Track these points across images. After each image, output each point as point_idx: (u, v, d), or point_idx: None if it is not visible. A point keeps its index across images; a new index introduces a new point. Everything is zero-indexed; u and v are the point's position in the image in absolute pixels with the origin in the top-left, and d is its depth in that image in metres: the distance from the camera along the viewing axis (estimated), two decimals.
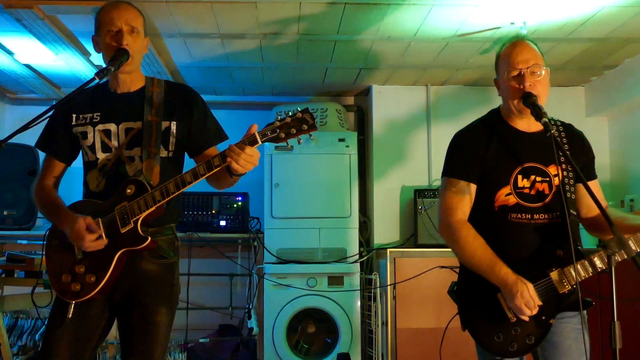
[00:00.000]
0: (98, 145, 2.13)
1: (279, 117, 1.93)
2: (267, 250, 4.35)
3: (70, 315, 2.01)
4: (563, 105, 4.73)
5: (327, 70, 4.48)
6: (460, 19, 3.47)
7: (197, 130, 2.19)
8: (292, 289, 4.27)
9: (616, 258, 1.85)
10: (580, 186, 2.13)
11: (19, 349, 4.32)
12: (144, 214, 1.99)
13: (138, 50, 2.13)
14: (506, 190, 2.12)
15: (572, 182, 2.13)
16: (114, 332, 3.84)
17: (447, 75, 4.61)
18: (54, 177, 2.22)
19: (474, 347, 2.16)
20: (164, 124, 2.14)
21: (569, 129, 2.25)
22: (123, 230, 2.00)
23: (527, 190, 2.11)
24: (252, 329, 4.36)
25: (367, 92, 5.05)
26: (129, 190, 2.02)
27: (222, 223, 4.55)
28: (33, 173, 4.29)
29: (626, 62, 4.27)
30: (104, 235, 2.00)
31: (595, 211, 2.10)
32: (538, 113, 2.03)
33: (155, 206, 1.99)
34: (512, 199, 2.11)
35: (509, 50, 2.15)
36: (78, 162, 2.23)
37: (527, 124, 2.17)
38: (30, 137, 2.22)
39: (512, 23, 3.50)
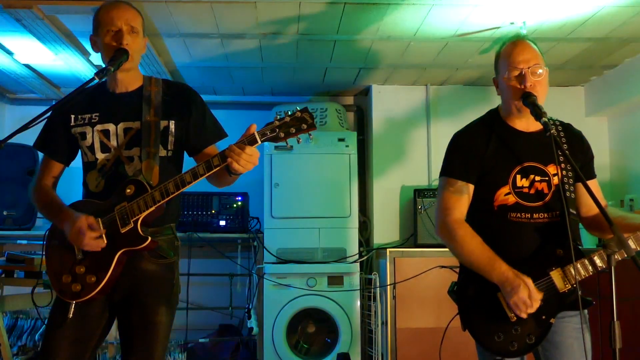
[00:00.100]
0: (97, 146, 2.12)
1: (278, 117, 1.93)
2: (266, 250, 4.34)
3: (70, 315, 2.01)
4: (563, 105, 4.73)
5: (326, 70, 4.48)
6: (460, 19, 3.47)
7: (196, 129, 2.19)
8: (291, 288, 4.27)
9: (616, 257, 1.85)
10: (580, 185, 2.13)
11: (18, 349, 4.32)
12: (143, 214, 1.99)
13: (137, 50, 2.13)
14: (505, 189, 2.12)
15: (571, 181, 2.13)
16: (114, 332, 3.86)
17: (446, 74, 4.61)
18: (52, 178, 2.22)
19: (473, 347, 2.16)
20: (163, 124, 2.14)
21: (567, 128, 2.25)
22: (123, 231, 2.00)
23: (526, 190, 2.11)
24: (252, 329, 4.35)
25: (366, 92, 5.05)
26: (128, 191, 2.02)
27: (222, 223, 4.55)
28: (32, 173, 4.29)
29: (626, 62, 4.27)
30: (104, 236, 2.00)
31: (595, 210, 2.10)
32: (538, 113, 2.03)
33: (155, 206, 1.98)
34: (512, 199, 2.11)
35: (509, 49, 2.15)
36: (77, 162, 2.23)
37: (526, 123, 2.18)
38: (29, 137, 2.22)
39: (512, 23, 3.51)
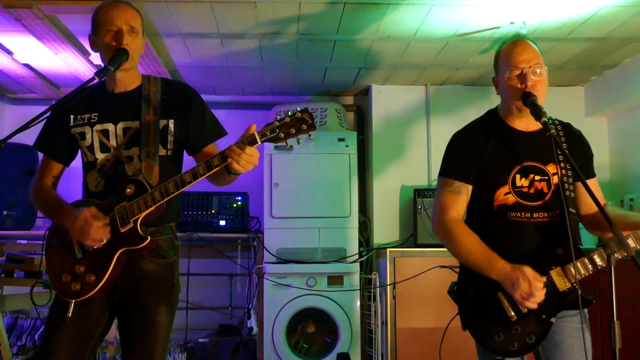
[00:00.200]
0: (97, 146, 2.12)
1: (278, 117, 1.93)
2: (266, 250, 4.34)
3: (70, 315, 2.01)
4: (563, 104, 4.73)
5: (326, 70, 4.48)
6: (460, 19, 3.47)
7: (196, 127, 2.19)
8: (291, 288, 4.27)
9: (616, 256, 1.85)
10: (580, 185, 2.13)
11: (18, 349, 4.32)
12: (143, 214, 1.99)
13: (137, 49, 2.13)
14: (505, 189, 2.12)
15: (571, 180, 2.13)
16: (113, 332, 3.86)
17: (446, 74, 4.61)
18: (52, 178, 2.22)
19: (473, 347, 2.16)
20: (162, 123, 2.14)
21: (567, 128, 2.25)
22: (123, 230, 2.00)
23: (525, 189, 2.11)
24: (251, 329, 4.35)
25: (366, 92, 5.05)
26: (128, 190, 2.02)
27: (222, 223, 4.55)
28: (32, 173, 4.29)
29: (626, 62, 4.27)
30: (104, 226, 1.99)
31: (595, 209, 2.11)
32: (538, 113, 2.03)
33: (155, 206, 1.98)
34: (511, 198, 2.11)
35: (509, 49, 2.14)
36: (77, 162, 2.23)
37: (525, 123, 2.18)
38: (29, 137, 2.22)
39: (512, 23, 3.51)
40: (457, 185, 2.17)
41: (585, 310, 2.06)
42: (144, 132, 2.09)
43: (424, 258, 4.07)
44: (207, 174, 1.97)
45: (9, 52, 3.92)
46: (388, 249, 4.17)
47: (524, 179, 2.12)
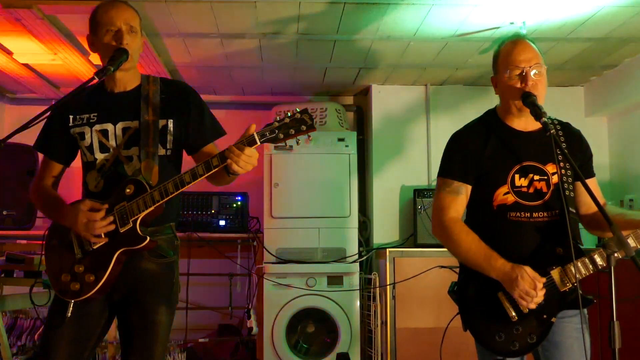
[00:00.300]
0: (96, 146, 2.12)
1: (278, 118, 1.93)
2: (266, 250, 4.34)
3: (69, 315, 2.01)
4: (562, 105, 4.73)
5: (326, 69, 4.48)
6: (460, 19, 3.47)
7: (195, 127, 2.19)
8: (291, 288, 4.27)
9: (616, 256, 1.84)
10: (579, 184, 2.13)
11: (18, 349, 4.32)
12: (143, 214, 1.99)
13: (136, 49, 2.13)
14: (504, 189, 2.12)
15: (570, 180, 2.13)
16: (113, 332, 3.85)
17: (446, 74, 4.61)
18: (52, 178, 2.23)
19: (473, 346, 2.16)
20: (161, 123, 2.14)
21: (566, 127, 2.25)
22: (122, 230, 2.00)
23: (525, 189, 2.11)
24: (251, 328, 4.35)
25: (366, 92, 5.05)
26: (128, 190, 2.02)
27: (222, 223, 4.55)
28: (32, 173, 4.29)
29: (625, 62, 4.27)
30: (103, 236, 2.00)
31: (594, 209, 2.10)
32: (537, 113, 2.03)
33: (154, 206, 1.99)
34: (511, 198, 2.11)
35: (509, 48, 2.14)
36: (78, 162, 2.23)
37: (524, 123, 2.17)
38: (29, 137, 2.22)
39: (512, 23, 3.51)
40: (456, 185, 2.17)
41: (585, 310, 2.06)
42: (143, 132, 2.09)
43: (423, 258, 4.07)
44: (206, 174, 1.97)
45: (9, 52, 3.92)
46: (388, 249, 4.17)
47: (523, 179, 2.12)
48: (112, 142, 2.13)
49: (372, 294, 4.29)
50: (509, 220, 2.11)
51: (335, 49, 4.00)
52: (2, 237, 4.37)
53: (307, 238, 4.35)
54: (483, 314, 2.08)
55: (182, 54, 4.08)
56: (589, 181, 2.10)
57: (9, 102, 5.06)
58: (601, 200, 2.17)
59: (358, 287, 4.33)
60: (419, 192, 4.50)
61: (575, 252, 1.99)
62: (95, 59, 3.99)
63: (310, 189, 4.39)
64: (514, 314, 2.01)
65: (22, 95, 5.01)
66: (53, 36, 3.50)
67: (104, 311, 2.11)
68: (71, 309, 2.02)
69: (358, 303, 4.33)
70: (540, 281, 1.97)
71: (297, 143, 1.96)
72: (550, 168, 2.13)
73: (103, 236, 2.00)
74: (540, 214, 2.10)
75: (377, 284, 4.26)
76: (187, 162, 2.20)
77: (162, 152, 2.13)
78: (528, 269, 1.97)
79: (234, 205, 4.58)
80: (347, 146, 4.48)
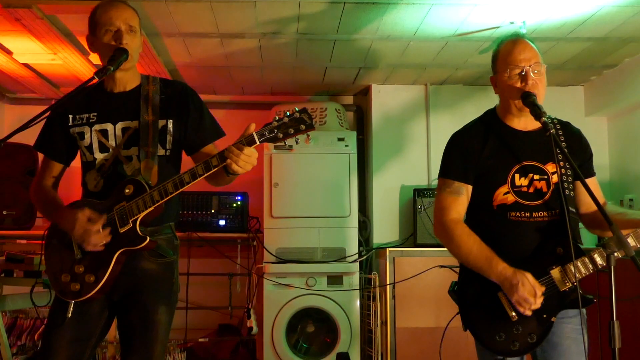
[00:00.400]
0: (95, 146, 2.12)
1: (277, 118, 1.93)
2: (266, 250, 4.34)
3: (69, 315, 2.01)
4: (562, 104, 4.73)
5: (326, 69, 4.48)
6: (460, 19, 3.47)
7: (194, 128, 2.18)
8: (291, 288, 4.27)
9: (616, 255, 1.84)
10: (579, 183, 2.12)
11: (18, 349, 4.32)
12: (142, 214, 1.99)
13: (136, 49, 2.13)
14: (504, 189, 2.12)
15: (570, 179, 2.13)
16: (113, 332, 3.85)
17: (446, 74, 4.61)
18: (52, 178, 2.22)
19: (473, 346, 2.16)
20: (161, 123, 2.14)
21: (566, 126, 2.25)
22: (122, 230, 2.00)
23: (525, 189, 2.11)
24: (251, 328, 4.36)
25: (366, 92, 5.05)
26: (127, 190, 2.02)
27: (222, 223, 4.55)
28: (32, 173, 4.30)
29: (625, 62, 4.27)
30: (101, 230, 1.99)
31: (595, 208, 2.10)
32: (537, 112, 2.02)
33: (154, 206, 1.98)
34: (511, 198, 2.11)
35: (509, 48, 2.13)
36: (78, 162, 2.23)
37: (524, 122, 2.17)
38: (29, 137, 2.22)
39: (512, 22, 3.51)
40: (457, 185, 2.16)
41: (584, 310, 2.05)
42: (142, 132, 2.09)
43: (423, 258, 4.07)
44: (206, 174, 1.97)
45: (9, 52, 3.92)
46: (388, 249, 4.17)
47: (523, 179, 2.12)
48: (111, 142, 2.12)
49: (372, 294, 4.29)
50: (509, 220, 2.11)
51: (335, 48, 4.00)
52: (2, 237, 4.37)
53: (307, 238, 4.35)
54: (483, 314, 2.08)
55: (182, 53, 4.08)
56: (589, 180, 2.10)
57: (9, 102, 5.06)
58: (601, 199, 2.17)
59: (358, 287, 4.33)
60: (418, 192, 4.50)
61: (575, 252, 1.99)
62: (95, 58, 3.99)
63: (310, 188, 4.39)
64: (513, 313, 2.01)
65: (22, 95, 5.01)
66: (53, 36, 3.50)
67: (104, 311, 2.11)
68: (71, 309, 2.02)
69: (358, 303, 4.33)
70: (540, 289, 1.97)
71: (297, 142, 1.96)
72: (550, 167, 2.12)
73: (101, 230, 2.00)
74: (540, 214, 2.10)
75: (377, 283, 4.26)
76: (187, 162, 2.20)
77: (161, 152, 2.13)
78: (529, 276, 1.97)
79: (234, 205, 4.58)
80: (347, 146, 4.48)
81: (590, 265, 1.99)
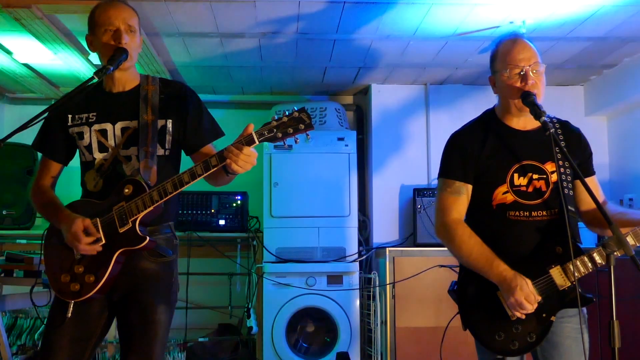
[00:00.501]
0: (95, 145, 2.12)
1: (276, 117, 1.93)
2: (266, 250, 4.35)
3: (69, 315, 2.01)
4: (562, 104, 4.73)
5: (326, 69, 4.48)
6: (460, 18, 3.47)
7: (193, 128, 2.18)
8: (291, 288, 4.27)
9: (616, 254, 1.84)
10: (579, 182, 2.12)
11: (18, 349, 4.32)
12: (142, 214, 1.99)
13: (135, 48, 2.13)
14: (503, 188, 2.12)
15: (569, 178, 2.13)
16: (113, 331, 3.85)
17: (446, 74, 4.61)
18: (51, 178, 2.22)
19: (473, 346, 2.16)
20: (160, 123, 2.13)
21: (565, 126, 2.24)
22: (121, 230, 2.00)
23: (524, 188, 2.11)
24: (251, 328, 4.36)
25: (366, 91, 5.04)
26: (126, 190, 2.02)
27: (222, 222, 4.55)
28: (32, 172, 4.30)
29: (625, 61, 4.27)
30: (103, 238, 2.00)
31: (594, 207, 2.10)
32: (537, 112, 2.02)
33: (153, 206, 1.98)
34: (510, 197, 2.11)
35: (508, 47, 2.13)
36: (77, 162, 2.23)
37: (523, 122, 2.17)
38: (29, 137, 2.22)
39: (511, 22, 3.50)
40: (457, 185, 2.16)
41: (585, 310, 2.06)
42: (142, 132, 2.09)
43: (423, 257, 4.07)
44: (205, 174, 1.97)
45: (9, 52, 3.92)
46: (387, 248, 4.17)
47: (522, 178, 2.12)
48: (110, 142, 2.12)
49: (371, 293, 4.30)
50: (508, 219, 2.11)
51: (334, 48, 4.00)
52: (2, 236, 4.37)
53: (307, 237, 4.36)
54: (483, 313, 2.08)
55: (182, 53, 4.08)
56: (589, 179, 2.10)
57: (9, 102, 5.06)
58: (601, 198, 2.17)
59: (358, 287, 4.34)
60: (418, 192, 4.50)
61: (575, 251, 1.99)
62: (95, 58, 3.98)
63: (310, 188, 4.39)
64: (513, 313, 2.01)
65: (22, 95, 5.01)
66: (52, 36, 3.50)
67: (104, 311, 2.11)
68: (71, 309, 2.02)
69: (358, 302, 4.33)
70: (537, 299, 1.98)
71: (296, 142, 1.96)
72: (549, 167, 2.12)
73: (102, 237, 2.00)
74: (540, 213, 2.10)
75: (377, 283, 4.26)
76: (186, 162, 2.20)
77: (160, 152, 2.13)
78: (529, 284, 1.98)
79: (234, 204, 4.58)
80: (346, 145, 4.48)
81: (590, 265, 1.99)
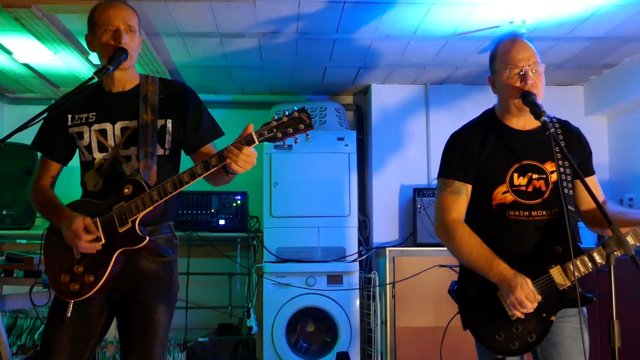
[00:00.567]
0: (94, 145, 2.12)
1: (276, 117, 1.93)
2: (266, 249, 4.35)
3: (69, 314, 2.01)
4: (562, 104, 4.73)
5: (326, 69, 4.48)
6: (460, 18, 3.47)
7: (193, 127, 2.18)
8: (291, 288, 4.27)
9: (616, 253, 1.84)
10: (579, 182, 2.12)
11: (18, 349, 4.32)
12: (141, 214, 1.99)
13: (135, 48, 2.13)
14: (503, 188, 2.12)
15: (569, 178, 2.13)
16: (113, 331, 3.86)
17: (446, 73, 4.61)
18: (50, 177, 2.22)
19: (473, 345, 2.16)
20: (160, 122, 2.14)
21: (565, 125, 2.25)
22: (121, 230, 2.00)
23: (523, 188, 2.11)
24: (251, 328, 4.36)
25: (366, 91, 5.04)
26: (126, 190, 2.02)
27: (222, 222, 4.55)
28: (32, 172, 4.29)
29: (625, 61, 4.27)
30: (102, 238, 2.00)
31: (594, 206, 2.10)
32: (537, 112, 2.02)
33: (153, 206, 1.98)
34: (509, 197, 2.11)
35: (508, 47, 2.13)
36: (77, 162, 2.23)
37: (523, 122, 2.17)
38: (29, 137, 2.22)
39: (511, 22, 3.50)
40: (457, 185, 2.17)
41: (585, 310, 2.06)
42: (142, 131, 2.09)
43: (423, 257, 4.07)
44: (205, 174, 1.97)
45: (8, 52, 3.92)
46: (387, 248, 4.17)
47: (522, 178, 2.12)
48: (110, 142, 2.12)
49: (371, 293, 4.30)
50: (508, 219, 2.11)
51: (334, 48, 4.00)
52: (2, 236, 4.37)
53: (307, 237, 4.36)
54: (483, 313, 2.08)
55: (182, 53, 4.08)
56: (589, 179, 2.10)
57: (9, 102, 5.06)
58: (601, 198, 2.17)
59: (358, 287, 4.34)
60: (418, 191, 4.50)
61: (575, 251, 1.99)
62: (95, 58, 3.98)
63: (310, 188, 4.39)
64: (512, 312, 2.01)
65: (22, 95, 5.01)
66: (52, 35, 3.50)
67: (104, 310, 2.11)
68: (71, 308, 2.02)
69: (358, 302, 4.33)
70: (537, 298, 1.98)
71: (296, 142, 1.96)
72: (549, 166, 2.12)
73: (102, 237, 2.00)
74: (540, 213, 2.10)
75: (377, 283, 4.26)
76: (186, 162, 2.20)
77: (160, 152, 2.13)
78: (529, 283, 1.98)
79: (234, 204, 4.58)
80: (346, 145, 4.48)
81: (590, 264, 1.99)
